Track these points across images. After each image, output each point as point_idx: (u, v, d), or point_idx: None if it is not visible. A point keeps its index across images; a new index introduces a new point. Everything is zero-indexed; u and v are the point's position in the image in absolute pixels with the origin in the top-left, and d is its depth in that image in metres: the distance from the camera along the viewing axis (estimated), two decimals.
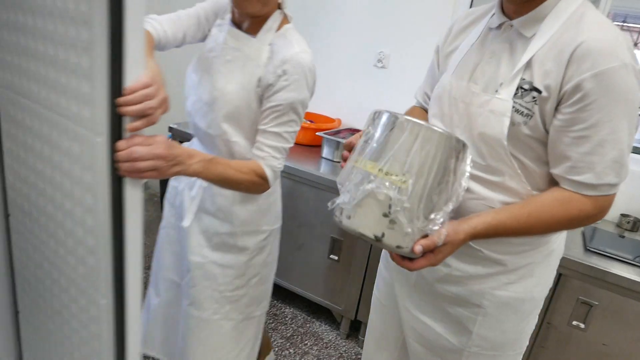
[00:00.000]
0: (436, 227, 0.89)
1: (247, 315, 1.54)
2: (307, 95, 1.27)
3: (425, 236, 0.90)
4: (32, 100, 0.95)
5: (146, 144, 0.88)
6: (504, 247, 1.09)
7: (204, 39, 1.37)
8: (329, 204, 0.94)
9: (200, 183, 1.40)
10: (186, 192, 1.43)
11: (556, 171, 0.99)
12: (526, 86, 0.96)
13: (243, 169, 1.21)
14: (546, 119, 0.96)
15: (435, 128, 0.89)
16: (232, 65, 1.27)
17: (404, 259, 0.94)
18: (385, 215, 0.86)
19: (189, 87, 1.37)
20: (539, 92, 0.95)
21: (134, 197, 0.87)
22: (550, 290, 1.20)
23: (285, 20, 1.32)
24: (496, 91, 1.00)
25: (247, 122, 1.29)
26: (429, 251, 0.91)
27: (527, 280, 1.12)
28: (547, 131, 0.97)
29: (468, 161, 0.93)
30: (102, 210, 0.85)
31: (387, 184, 0.86)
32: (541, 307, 1.20)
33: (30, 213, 1.06)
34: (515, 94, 0.97)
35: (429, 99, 1.26)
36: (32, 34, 0.92)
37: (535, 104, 0.95)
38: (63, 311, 1.04)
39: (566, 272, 1.84)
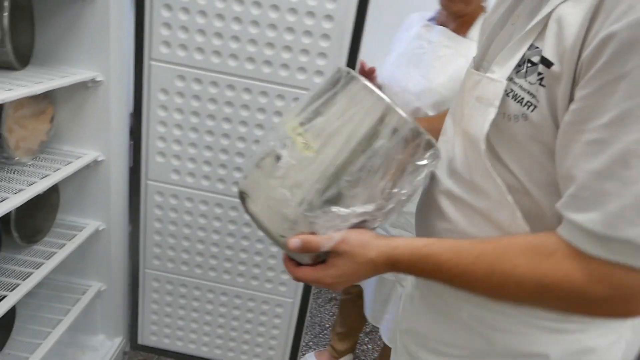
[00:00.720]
0: (330, 225, 0.63)
1: None
2: None
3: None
4: (255, 79, 1.24)
5: None
6: (494, 314, 0.68)
7: None
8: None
9: None
10: None
11: (558, 204, 0.55)
12: (535, 58, 0.58)
13: None
14: (558, 111, 0.55)
15: (375, 90, 0.63)
16: (443, 59, 1.39)
17: (292, 259, 0.69)
18: (272, 183, 0.64)
19: (389, 79, 1.46)
20: (548, 64, 0.55)
21: None
22: None
23: None
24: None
25: None
26: (320, 261, 0.66)
27: None
28: None
29: (425, 158, 0.64)
30: None
31: (288, 142, 0.64)
32: None
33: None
34: (519, 70, 0.59)
35: None
36: (274, 27, 1.18)
37: (541, 85, 0.56)
38: None
39: None
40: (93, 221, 1.40)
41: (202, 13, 1.14)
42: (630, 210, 0.48)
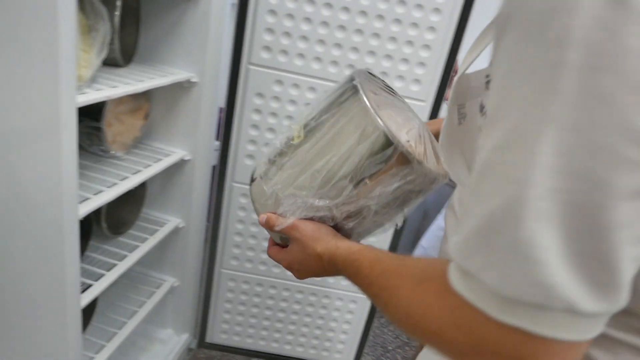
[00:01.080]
0: (289, 209, 0.65)
1: None
2: None
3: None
4: None
5: None
6: None
7: None
8: None
9: None
10: None
11: None
12: None
13: None
14: None
15: (360, 91, 0.60)
16: None
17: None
18: (268, 162, 0.71)
19: None
20: None
21: None
22: None
23: None
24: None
25: None
26: (285, 244, 0.69)
27: None
28: None
29: (396, 170, 0.59)
30: None
31: (285, 131, 0.70)
32: None
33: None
34: None
35: None
36: (377, 36, 1.19)
37: (488, 88, 0.45)
38: None
39: None
40: (174, 218, 1.43)
41: (308, 20, 1.16)
42: (473, 235, 0.36)
